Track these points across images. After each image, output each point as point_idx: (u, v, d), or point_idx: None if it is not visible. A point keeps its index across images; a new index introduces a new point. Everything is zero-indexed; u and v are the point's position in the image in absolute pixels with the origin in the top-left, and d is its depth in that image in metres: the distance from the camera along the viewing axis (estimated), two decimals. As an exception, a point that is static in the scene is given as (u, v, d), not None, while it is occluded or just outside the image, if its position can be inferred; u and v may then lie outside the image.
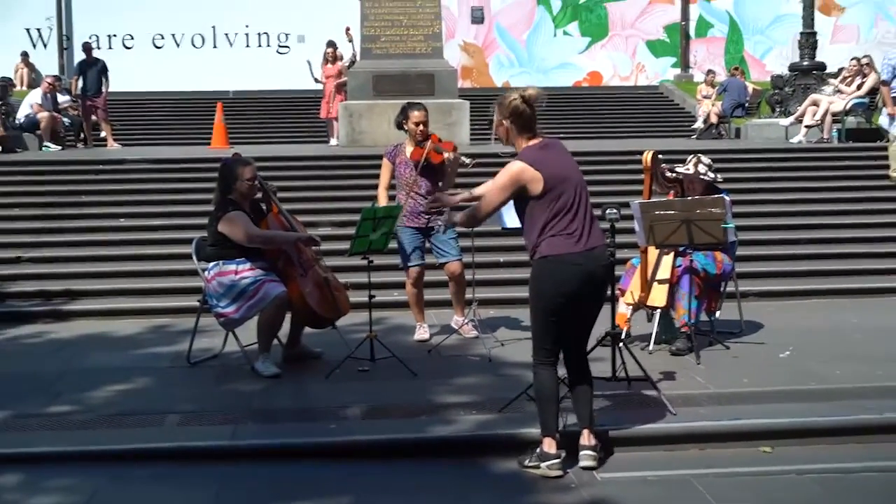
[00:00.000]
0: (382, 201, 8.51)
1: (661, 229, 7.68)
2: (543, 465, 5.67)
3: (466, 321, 8.72)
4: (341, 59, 19.96)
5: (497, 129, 5.83)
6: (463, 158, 8.44)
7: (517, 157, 5.72)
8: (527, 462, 5.76)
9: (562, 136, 10.24)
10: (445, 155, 8.23)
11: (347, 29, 21.20)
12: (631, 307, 8.26)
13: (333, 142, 18.96)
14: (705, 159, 8.46)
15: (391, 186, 8.73)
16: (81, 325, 9.75)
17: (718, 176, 8.47)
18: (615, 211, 6.73)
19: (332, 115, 19.20)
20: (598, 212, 6.96)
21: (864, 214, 12.88)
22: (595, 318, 5.87)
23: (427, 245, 8.61)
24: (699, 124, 21.42)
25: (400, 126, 8.63)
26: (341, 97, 18.92)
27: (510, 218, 7.12)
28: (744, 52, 29.80)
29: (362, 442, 6.11)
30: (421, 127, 8.43)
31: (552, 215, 5.62)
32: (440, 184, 8.48)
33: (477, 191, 6.30)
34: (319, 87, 20.12)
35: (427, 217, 8.35)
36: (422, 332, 8.68)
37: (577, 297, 5.64)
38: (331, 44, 20.51)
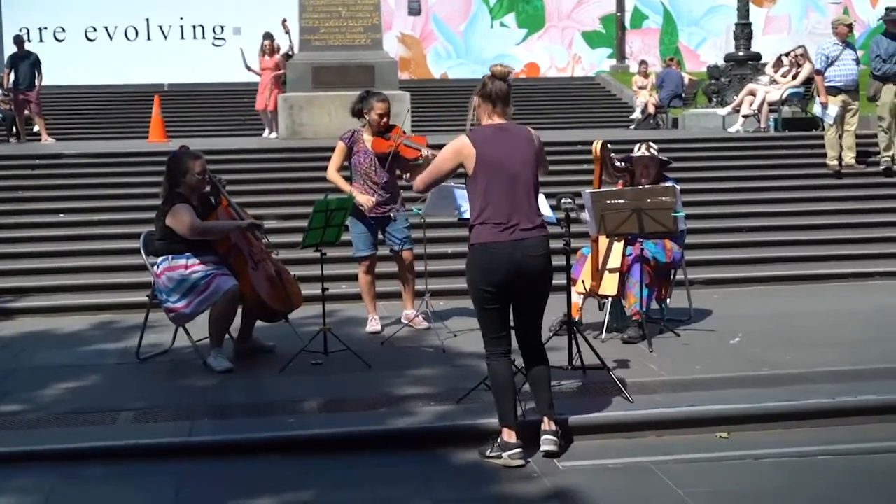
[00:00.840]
0: (339, 180, 8.46)
1: (612, 218, 7.70)
2: (505, 454, 5.67)
3: (417, 313, 8.70)
4: (278, 51, 19.78)
5: (474, 110, 5.82)
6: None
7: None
8: (488, 452, 5.76)
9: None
10: (424, 152, 8.20)
11: (284, 21, 21.03)
12: (582, 296, 8.29)
13: (271, 135, 18.82)
14: (653, 145, 8.54)
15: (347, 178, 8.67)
16: (25, 322, 9.59)
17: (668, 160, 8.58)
18: (570, 200, 6.78)
19: (269, 107, 19.04)
20: (552, 202, 7.06)
21: (802, 202, 13.08)
22: (537, 309, 5.83)
23: (380, 236, 8.58)
24: (637, 115, 21.60)
25: (358, 114, 8.54)
26: (279, 90, 18.79)
27: (464, 208, 7.10)
28: (678, 43, 30.10)
29: (322, 435, 6.05)
30: (385, 119, 8.38)
31: (482, 201, 5.64)
32: (406, 176, 8.45)
33: None
34: (255, 78, 19.92)
35: (383, 207, 8.34)
36: (374, 324, 8.65)
37: (508, 287, 5.63)
38: (268, 36, 20.33)
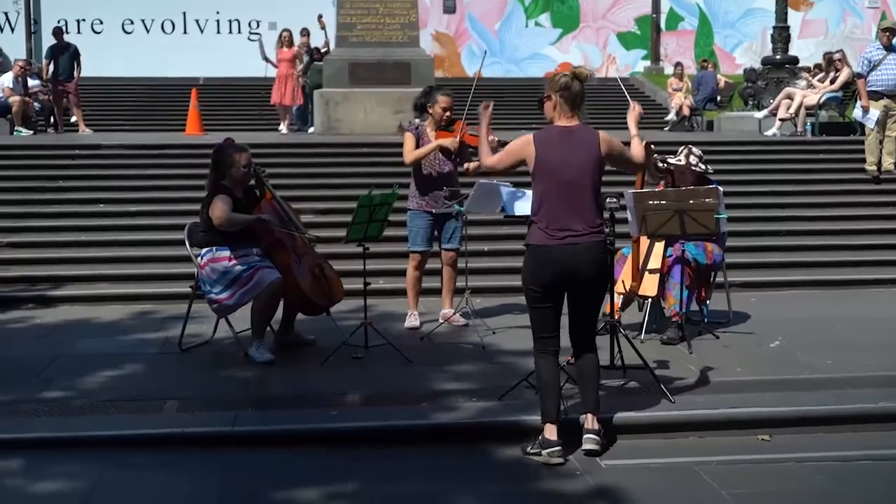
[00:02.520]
0: (418, 151, 8.47)
1: (654, 219, 7.68)
2: (545, 452, 5.70)
3: (455, 312, 8.73)
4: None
5: (546, 104, 5.85)
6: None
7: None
8: (529, 449, 5.79)
9: (534, 126, 10.29)
10: (490, 138, 8.25)
11: (320, 16, 21.13)
12: (622, 297, 8.28)
13: (282, 128, 18.81)
14: (696, 150, 8.52)
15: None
16: (66, 310, 9.67)
17: (709, 167, 8.54)
18: (614, 200, 6.77)
19: (285, 101, 19.04)
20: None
21: (839, 207, 13.00)
22: (590, 309, 5.90)
23: (435, 233, 8.65)
24: (672, 117, 21.56)
25: (421, 109, 8.63)
26: (294, 83, 18.82)
27: (512, 206, 7.13)
28: (713, 46, 29.99)
29: (365, 428, 6.10)
30: (448, 112, 8.45)
31: (538, 203, 5.74)
32: (466, 166, 8.51)
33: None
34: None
35: (447, 203, 8.37)
36: (412, 320, 8.68)
37: (558, 288, 5.69)
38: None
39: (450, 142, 8.40)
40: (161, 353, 7.98)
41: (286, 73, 18.96)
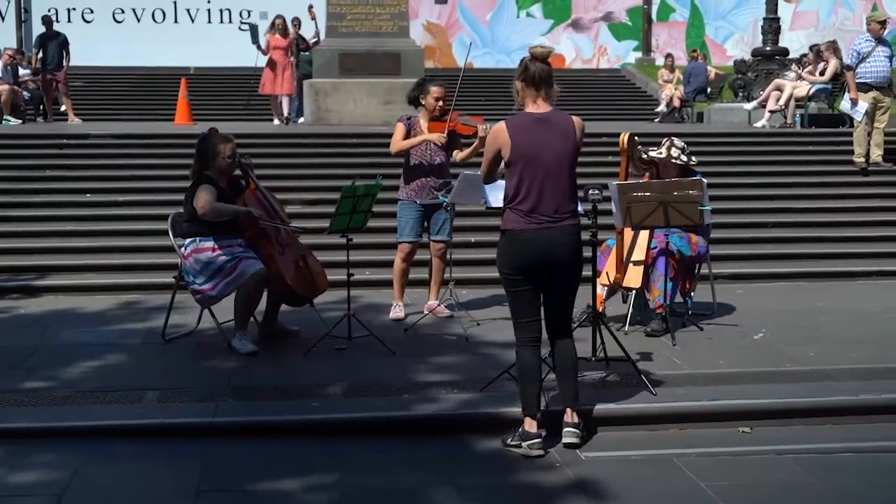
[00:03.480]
0: (406, 142, 8.49)
1: (638, 211, 7.68)
2: (524, 444, 5.69)
3: (440, 303, 8.73)
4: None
5: (518, 94, 5.83)
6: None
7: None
8: (509, 441, 5.78)
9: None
10: (481, 126, 8.26)
11: (310, 7, 21.02)
12: (606, 288, 8.29)
13: (275, 121, 18.53)
14: (678, 143, 8.51)
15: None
16: (50, 300, 9.65)
17: (693, 158, 8.53)
18: (597, 191, 6.77)
19: (284, 91, 18.59)
20: (580, 193, 7.04)
21: (827, 199, 13.03)
22: (565, 296, 5.85)
23: (426, 224, 8.65)
24: (662, 108, 21.56)
25: (414, 101, 8.64)
26: (289, 73, 18.62)
27: (494, 197, 7.12)
28: (705, 37, 29.98)
29: (346, 420, 6.10)
30: (441, 102, 8.44)
31: (514, 188, 5.70)
32: (455, 156, 8.56)
33: None
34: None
35: (434, 194, 8.36)
36: (397, 311, 8.68)
37: (534, 273, 5.67)
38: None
39: (436, 136, 8.38)
40: (144, 344, 7.96)
41: (283, 62, 18.62)
